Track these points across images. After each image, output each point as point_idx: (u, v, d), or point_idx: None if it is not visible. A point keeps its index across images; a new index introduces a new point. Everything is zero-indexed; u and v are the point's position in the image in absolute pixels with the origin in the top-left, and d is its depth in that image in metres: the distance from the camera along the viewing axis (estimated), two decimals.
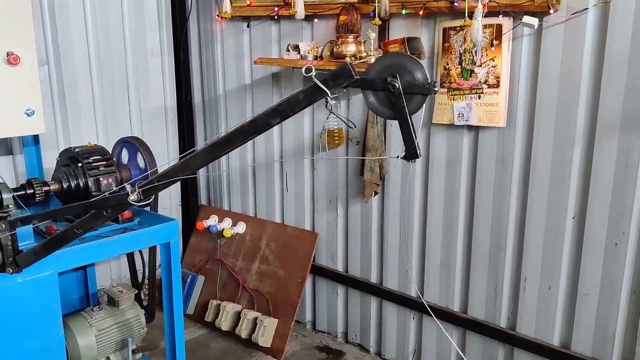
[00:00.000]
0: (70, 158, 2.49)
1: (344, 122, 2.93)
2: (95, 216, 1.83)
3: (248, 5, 3.18)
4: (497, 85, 2.42)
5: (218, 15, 3.43)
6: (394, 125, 2.83)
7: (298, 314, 3.35)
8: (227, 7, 3.16)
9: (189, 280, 3.63)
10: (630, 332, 2.31)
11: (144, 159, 2.56)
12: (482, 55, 2.44)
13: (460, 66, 2.52)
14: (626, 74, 2.13)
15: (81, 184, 2.43)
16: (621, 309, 2.30)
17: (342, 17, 2.74)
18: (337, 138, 3.03)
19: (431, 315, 2.78)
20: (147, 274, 3.06)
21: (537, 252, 2.49)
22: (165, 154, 3.77)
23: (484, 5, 2.26)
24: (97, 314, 2.66)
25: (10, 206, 2.24)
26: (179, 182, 2.29)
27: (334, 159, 3.16)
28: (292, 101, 1.53)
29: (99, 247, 2.30)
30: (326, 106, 1.52)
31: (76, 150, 2.49)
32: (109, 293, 2.79)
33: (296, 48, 3.00)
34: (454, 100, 2.56)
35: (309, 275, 3.35)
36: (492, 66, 2.42)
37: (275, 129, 3.24)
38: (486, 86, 2.45)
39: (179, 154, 3.87)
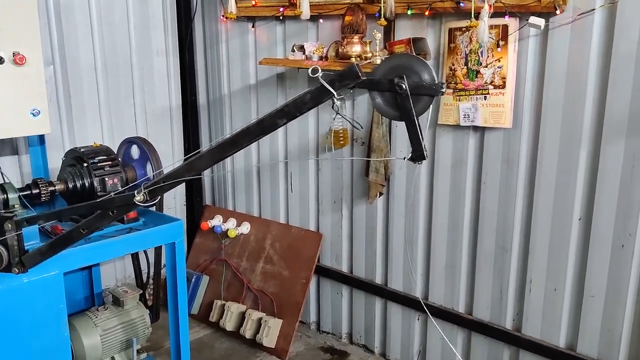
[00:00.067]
0: (76, 158, 2.50)
1: (350, 123, 2.92)
2: (101, 216, 1.84)
3: (253, 6, 3.17)
4: (503, 86, 2.41)
5: (223, 16, 3.43)
6: (399, 126, 2.82)
7: (302, 315, 3.34)
8: (232, 7, 3.16)
9: (193, 280, 3.63)
10: (637, 334, 2.30)
11: (149, 160, 2.56)
12: (488, 56, 2.43)
13: (466, 67, 2.51)
14: (633, 75, 2.12)
15: (87, 184, 2.44)
16: (627, 310, 2.29)
17: (347, 18, 2.74)
18: (342, 139, 3.03)
19: (436, 317, 2.78)
20: (151, 274, 3.06)
21: (543, 253, 2.48)
22: (170, 154, 3.78)
23: (490, 5, 2.25)
24: (102, 313, 2.68)
25: (16, 206, 2.25)
26: (183, 183, 2.29)
27: (339, 159, 3.16)
28: (298, 102, 1.52)
29: (104, 247, 2.31)
30: (332, 107, 1.51)
31: (82, 150, 2.50)
32: (114, 293, 2.80)
33: (301, 48, 3.00)
34: (459, 101, 2.55)
35: (313, 275, 3.35)
36: (498, 67, 2.41)
37: (280, 129, 3.24)
38: (492, 87, 2.44)
39: (184, 154, 3.87)
